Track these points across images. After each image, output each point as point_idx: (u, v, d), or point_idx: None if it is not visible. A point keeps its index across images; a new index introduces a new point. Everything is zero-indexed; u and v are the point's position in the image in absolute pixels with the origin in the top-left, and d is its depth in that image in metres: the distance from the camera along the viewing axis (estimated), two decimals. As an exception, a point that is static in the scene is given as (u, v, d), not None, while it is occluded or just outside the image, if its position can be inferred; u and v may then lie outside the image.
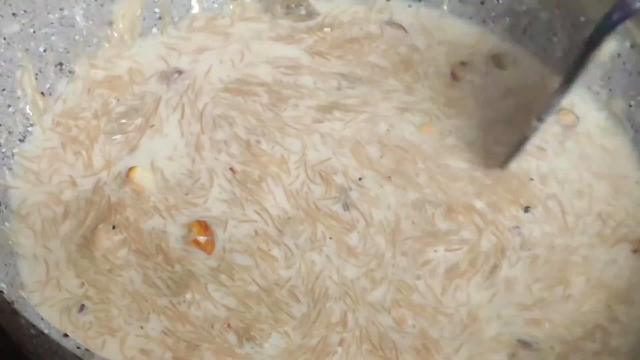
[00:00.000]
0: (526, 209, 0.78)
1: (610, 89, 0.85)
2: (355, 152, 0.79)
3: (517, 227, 0.77)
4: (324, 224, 0.75)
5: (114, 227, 0.72)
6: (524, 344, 0.70)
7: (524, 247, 0.76)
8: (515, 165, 0.80)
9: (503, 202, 0.78)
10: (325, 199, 0.76)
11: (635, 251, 0.77)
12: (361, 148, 0.80)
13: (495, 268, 0.74)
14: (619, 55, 0.85)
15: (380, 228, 0.75)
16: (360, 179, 0.78)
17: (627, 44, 0.85)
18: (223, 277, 0.71)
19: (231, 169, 0.77)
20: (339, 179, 0.77)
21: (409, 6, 0.92)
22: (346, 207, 0.76)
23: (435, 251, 0.74)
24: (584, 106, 0.86)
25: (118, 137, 0.78)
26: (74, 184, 0.76)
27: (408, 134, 0.82)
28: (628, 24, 0.84)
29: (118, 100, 0.81)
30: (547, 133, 0.82)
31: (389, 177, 0.78)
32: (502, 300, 0.73)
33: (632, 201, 0.79)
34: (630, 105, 0.84)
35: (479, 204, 0.77)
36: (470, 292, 0.72)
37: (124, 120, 0.80)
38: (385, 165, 0.79)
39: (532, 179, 0.79)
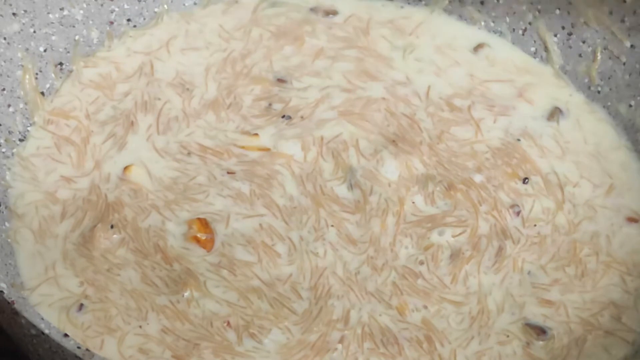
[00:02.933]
0: (525, 180, 0.78)
1: (610, 89, 0.85)
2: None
3: (516, 205, 0.77)
4: (326, 209, 0.75)
5: (112, 227, 0.73)
6: (539, 330, 0.70)
7: (526, 224, 0.76)
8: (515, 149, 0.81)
9: (502, 175, 0.79)
10: (332, 179, 0.77)
11: (630, 220, 0.77)
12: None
13: (500, 250, 0.74)
14: (618, 55, 0.85)
15: (379, 211, 0.75)
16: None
17: (627, 44, 0.85)
18: (225, 272, 0.71)
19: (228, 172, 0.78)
20: (347, 157, 0.79)
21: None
22: (350, 187, 0.77)
23: (437, 236, 0.75)
24: (582, 106, 0.86)
25: (109, 141, 0.79)
26: (69, 183, 0.76)
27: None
28: (629, 25, 0.84)
29: (113, 100, 0.81)
30: (545, 134, 0.83)
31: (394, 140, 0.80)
32: (513, 282, 0.73)
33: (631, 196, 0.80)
34: (630, 105, 0.84)
35: (478, 178, 0.78)
36: (481, 279, 0.73)
37: (117, 120, 0.80)
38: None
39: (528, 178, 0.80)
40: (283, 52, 0.87)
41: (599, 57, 0.86)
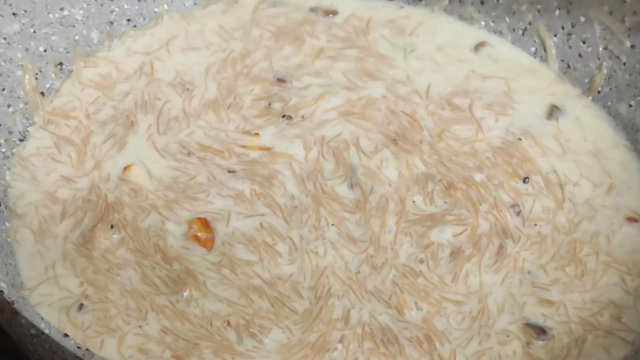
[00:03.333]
0: (525, 180, 0.78)
1: (610, 89, 0.85)
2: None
3: (516, 204, 0.77)
4: (326, 208, 0.75)
5: (112, 227, 0.73)
6: (539, 330, 0.70)
7: (527, 224, 0.76)
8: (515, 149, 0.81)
9: (503, 175, 0.79)
10: (333, 178, 0.77)
11: (629, 219, 0.78)
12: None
13: (501, 248, 0.74)
14: (618, 55, 0.85)
15: (379, 211, 0.75)
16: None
17: (627, 44, 0.85)
18: (225, 271, 0.71)
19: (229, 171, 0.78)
20: (348, 155, 0.79)
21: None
22: (351, 186, 0.77)
23: (437, 234, 0.75)
24: (582, 106, 0.86)
25: (109, 141, 0.79)
26: (69, 183, 0.76)
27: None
28: (629, 25, 0.84)
29: (113, 100, 0.81)
30: (546, 133, 0.83)
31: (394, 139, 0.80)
32: (514, 281, 0.73)
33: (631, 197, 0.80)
34: (631, 105, 0.84)
35: (478, 177, 0.78)
36: (482, 278, 0.73)
37: (117, 120, 0.80)
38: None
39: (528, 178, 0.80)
40: (283, 52, 0.87)
41: (599, 57, 0.86)
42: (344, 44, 0.88)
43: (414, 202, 0.77)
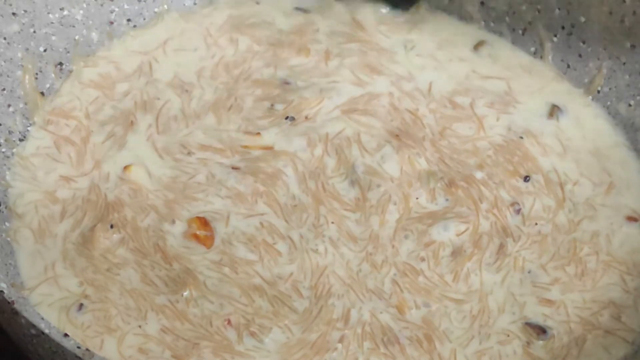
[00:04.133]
0: (526, 178, 0.78)
1: (610, 89, 0.85)
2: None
3: (517, 203, 0.77)
4: (326, 206, 0.75)
5: (111, 226, 0.72)
6: (539, 329, 0.70)
7: (527, 223, 0.76)
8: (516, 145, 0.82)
9: (504, 173, 0.79)
10: (334, 176, 0.77)
11: (629, 219, 0.78)
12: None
13: (502, 247, 0.74)
14: (618, 55, 0.85)
15: (379, 209, 0.75)
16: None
17: (627, 44, 0.85)
18: (226, 270, 0.71)
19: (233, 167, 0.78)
20: (350, 153, 0.79)
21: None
22: (351, 184, 0.77)
23: (438, 232, 0.75)
24: (582, 105, 0.86)
25: (109, 140, 0.79)
26: (69, 182, 0.76)
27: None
28: (629, 25, 0.84)
29: (113, 99, 0.81)
30: (547, 132, 0.83)
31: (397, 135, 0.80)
32: (514, 281, 0.73)
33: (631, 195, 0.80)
34: (630, 105, 0.84)
35: (479, 175, 0.78)
36: (483, 277, 0.72)
37: (117, 120, 0.80)
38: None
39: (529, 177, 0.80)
40: (285, 52, 0.87)
41: (599, 57, 0.86)
42: (343, 38, 0.88)
43: (417, 199, 0.77)
